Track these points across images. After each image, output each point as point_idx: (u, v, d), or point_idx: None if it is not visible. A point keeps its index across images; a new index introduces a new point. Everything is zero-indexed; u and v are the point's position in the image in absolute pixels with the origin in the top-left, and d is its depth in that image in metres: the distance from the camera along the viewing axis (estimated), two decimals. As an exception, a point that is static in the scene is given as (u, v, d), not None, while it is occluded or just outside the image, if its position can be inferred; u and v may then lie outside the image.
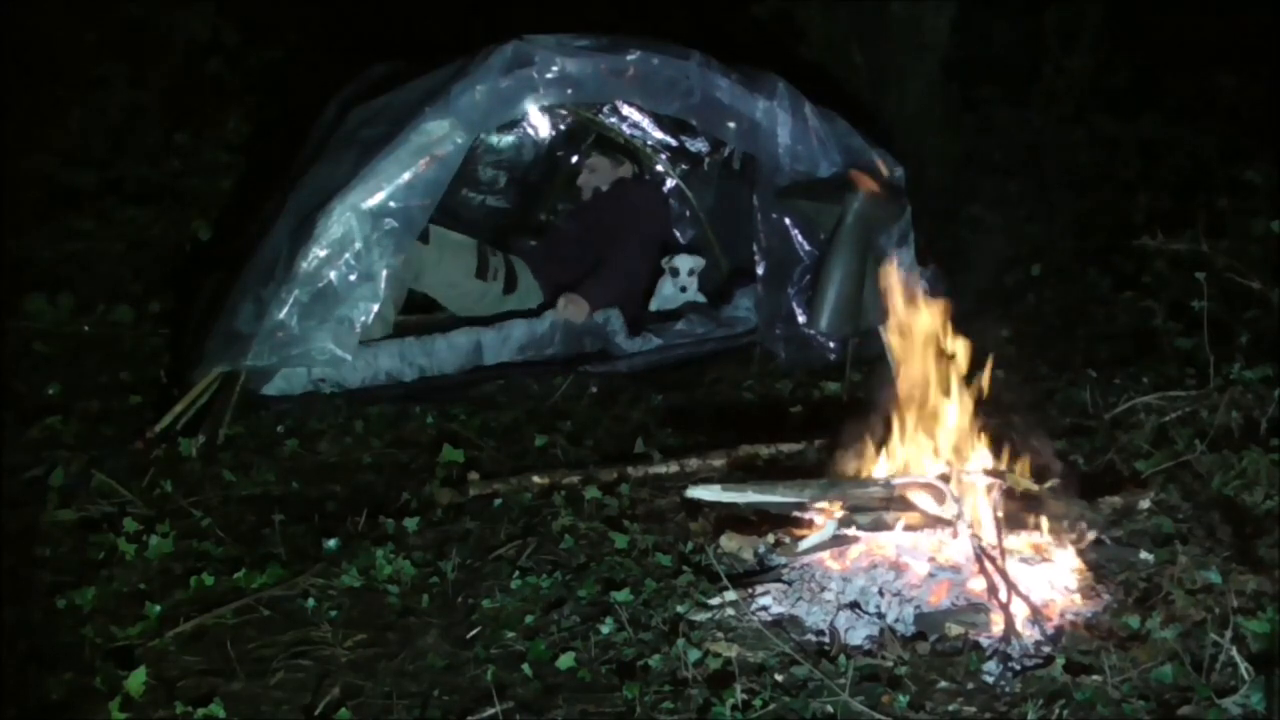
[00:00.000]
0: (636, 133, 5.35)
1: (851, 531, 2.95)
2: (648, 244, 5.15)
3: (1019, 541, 2.95)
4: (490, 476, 3.55)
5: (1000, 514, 2.91)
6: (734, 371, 4.52)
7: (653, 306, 5.10)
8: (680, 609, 2.82)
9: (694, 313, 4.88)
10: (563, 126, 5.44)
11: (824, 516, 3.03)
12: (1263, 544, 2.95)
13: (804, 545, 2.94)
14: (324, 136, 4.41)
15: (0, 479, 3.53)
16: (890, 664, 2.59)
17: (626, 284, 4.98)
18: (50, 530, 3.28)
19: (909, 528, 2.95)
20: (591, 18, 4.54)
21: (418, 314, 4.89)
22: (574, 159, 5.50)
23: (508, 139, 5.38)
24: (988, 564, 2.77)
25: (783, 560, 2.97)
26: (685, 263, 5.08)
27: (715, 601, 2.83)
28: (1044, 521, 2.98)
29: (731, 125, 4.46)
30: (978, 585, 2.78)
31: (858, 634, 2.71)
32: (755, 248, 4.62)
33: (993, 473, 3.03)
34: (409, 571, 3.04)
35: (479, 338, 4.49)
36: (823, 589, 2.83)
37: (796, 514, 3.08)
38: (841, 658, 2.59)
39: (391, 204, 4.04)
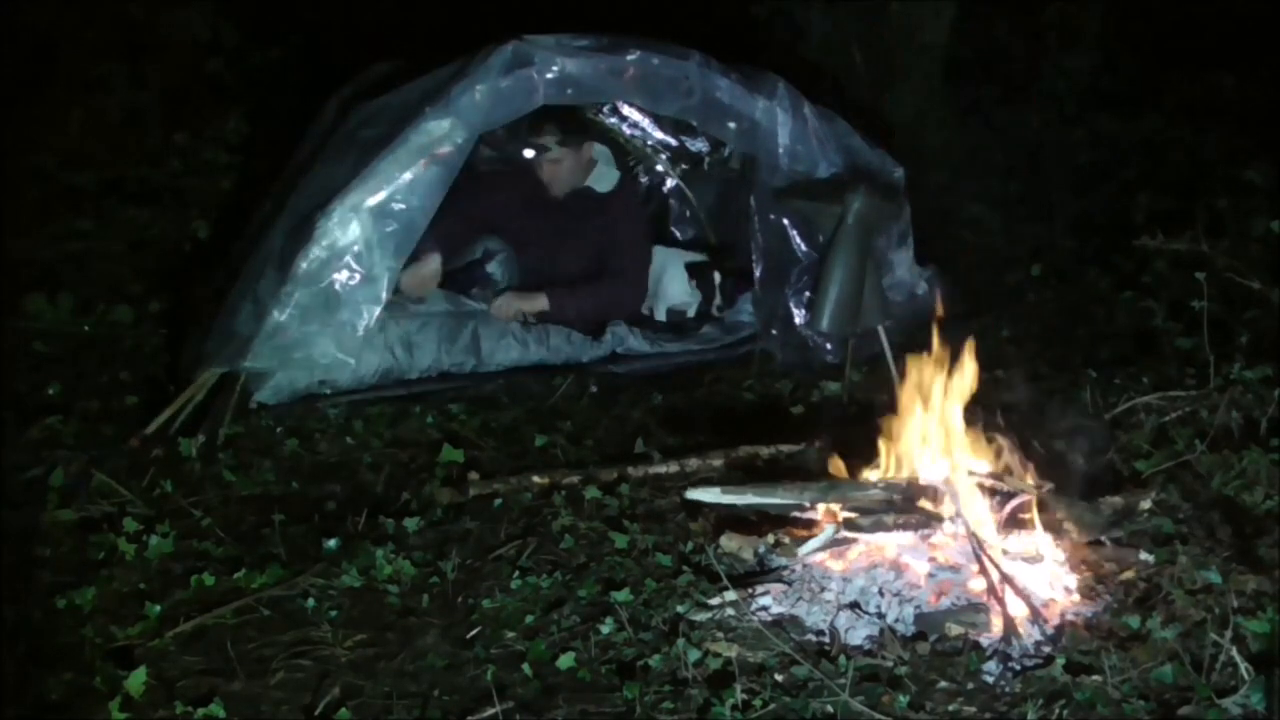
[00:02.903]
0: (636, 133, 5.34)
1: (851, 533, 2.95)
2: (645, 260, 4.82)
3: (1019, 541, 2.95)
4: (490, 476, 3.55)
5: (1000, 514, 2.91)
6: (734, 371, 4.50)
7: (662, 309, 5.04)
8: (680, 609, 2.82)
9: (709, 324, 4.83)
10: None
11: (825, 517, 3.03)
12: (1263, 544, 2.96)
13: (805, 549, 2.94)
14: (324, 136, 4.41)
15: (0, 479, 3.53)
16: (890, 664, 2.60)
17: (611, 309, 4.64)
18: (50, 530, 3.28)
19: (909, 528, 2.95)
20: (591, 18, 4.52)
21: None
22: (527, 153, 4.73)
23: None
24: (988, 564, 2.77)
25: (783, 561, 2.97)
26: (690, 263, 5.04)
27: (715, 601, 2.84)
28: (1044, 521, 2.98)
29: (731, 125, 4.45)
30: (978, 585, 2.79)
31: (858, 634, 2.71)
32: (754, 248, 4.62)
33: (992, 473, 3.03)
34: (409, 571, 3.05)
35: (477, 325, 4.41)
36: (823, 589, 2.83)
37: (796, 514, 3.08)
38: (841, 658, 2.60)
39: (392, 205, 4.03)
